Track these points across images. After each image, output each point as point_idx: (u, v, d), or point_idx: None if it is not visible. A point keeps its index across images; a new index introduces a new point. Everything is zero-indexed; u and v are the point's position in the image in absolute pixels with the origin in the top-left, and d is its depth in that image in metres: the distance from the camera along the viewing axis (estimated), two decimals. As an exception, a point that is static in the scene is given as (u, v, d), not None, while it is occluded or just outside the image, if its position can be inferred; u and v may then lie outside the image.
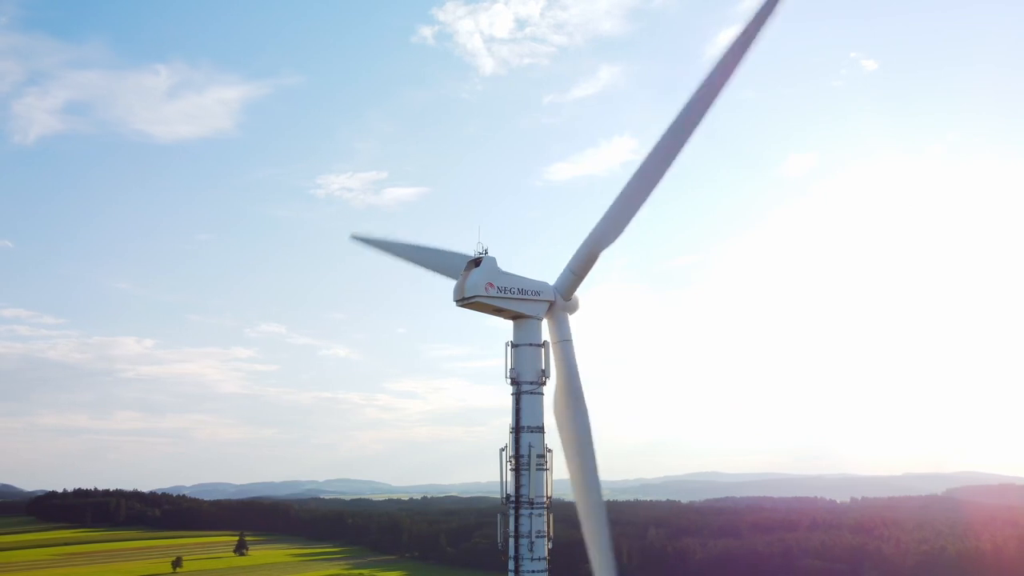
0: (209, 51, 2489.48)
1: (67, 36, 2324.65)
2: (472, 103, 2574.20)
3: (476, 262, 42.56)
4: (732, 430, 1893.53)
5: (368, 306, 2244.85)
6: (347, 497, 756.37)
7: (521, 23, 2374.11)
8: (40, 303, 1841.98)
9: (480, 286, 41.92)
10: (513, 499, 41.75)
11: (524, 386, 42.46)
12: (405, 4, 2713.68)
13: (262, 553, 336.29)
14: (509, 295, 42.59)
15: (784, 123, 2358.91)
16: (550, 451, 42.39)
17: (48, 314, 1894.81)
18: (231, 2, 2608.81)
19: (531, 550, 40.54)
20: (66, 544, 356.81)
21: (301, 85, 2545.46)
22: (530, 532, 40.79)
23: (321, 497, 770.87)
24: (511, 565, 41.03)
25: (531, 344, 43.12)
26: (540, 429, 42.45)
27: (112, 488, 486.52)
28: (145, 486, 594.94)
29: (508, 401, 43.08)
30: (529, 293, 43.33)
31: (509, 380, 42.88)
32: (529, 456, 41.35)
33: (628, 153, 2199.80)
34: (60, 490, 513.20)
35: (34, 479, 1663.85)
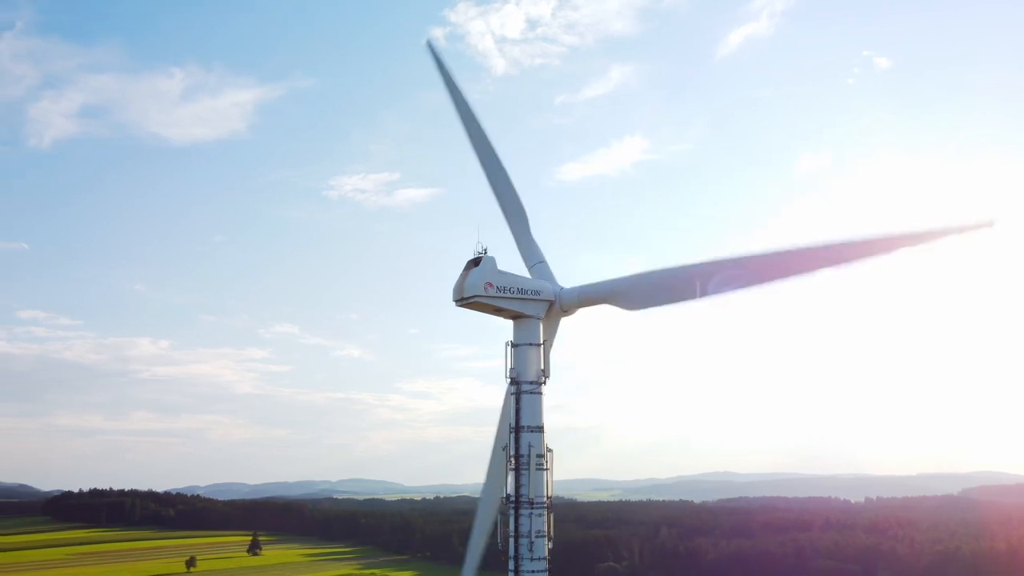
0: (223, 54, 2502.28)
1: (82, 40, 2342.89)
2: (484, 104, 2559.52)
3: (475, 262, 42.57)
4: (745, 430, 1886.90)
5: (381, 307, 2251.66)
6: (360, 497, 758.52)
7: (532, 23, 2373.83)
8: (56, 305, 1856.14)
9: (479, 286, 41.91)
10: (513, 499, 41.62)
11: (524, 386, 42.45)
12: (416, 6, 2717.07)
13: (275, 553, 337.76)
14: (508, 295, 42.60)
15: (797, 121, 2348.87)
16: (550, 451, 42.30)
17: (64, 315, 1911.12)
18: (244, 5, 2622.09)
19: (531, 550, 40.46)
20: (81, 544, 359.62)
21: (314, 87, 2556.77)
22: (530, 532, 40.71)
23: (334, 497, 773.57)
24: (511, 565, 40.98)
25: (531, 344, 43.12)
26: (540, 429, 42.39)
27: (127, 488, 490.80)
28: (160, 486, 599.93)
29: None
30: (529, 293, 43.31)
31: (509, 380, 42.88)
32: (529, 456, 41.31)
33: (639, 153, 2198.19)
34: (76, 490, 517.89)
35: (50, 479, 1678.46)
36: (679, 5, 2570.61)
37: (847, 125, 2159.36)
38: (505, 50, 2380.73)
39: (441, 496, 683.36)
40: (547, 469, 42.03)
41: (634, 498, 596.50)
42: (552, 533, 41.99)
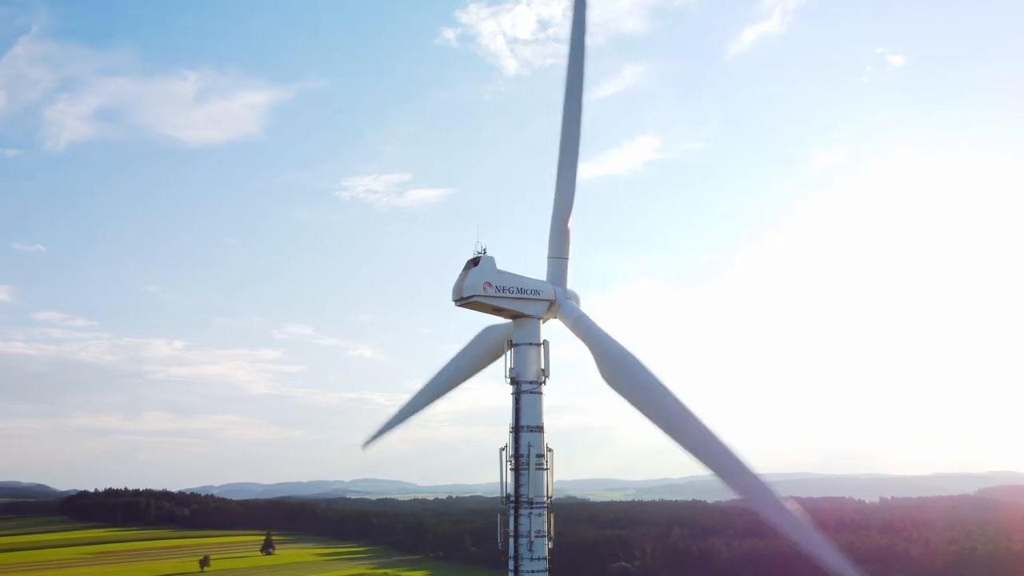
0: (236, 57, 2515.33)
1: (97, 43, 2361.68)
2: (495, 104, 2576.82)
3: (474, 262, 42.57)
4: (759, 429, 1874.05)
5: (393, 307, 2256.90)
6: (373, 497, 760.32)
7: (543, 24, 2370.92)
8: (72, 306, 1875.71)
9: (478, 286, 41.90)
10: (513, 499, 41.55)
11: (524, 385, 42.41)
12: (428, 7, 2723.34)
13: (288, 552, 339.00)
14: (508, 294, 42.55)
15: (810, 119, 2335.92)
16: (550, 451, 42.21)
17: (80, 317, 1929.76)
18: (256, 8, 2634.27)
19: (531, 550, 40.40)
20: (97, 543, 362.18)
21: (326, 89, 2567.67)
22: (529, 532, 40.64)
23: (347, 497, 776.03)
24: (511, 565, 40.94)
25: (531, 344, 43.05)
26: (540, 429, 42.33)
27: (142, 488, 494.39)
28: (175, 486, 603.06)
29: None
30: (528, 292, 43.27)
31: (509, 380, 42.84)
32: (528, 456, 41.24)
33: (652, 152, 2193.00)
34: (92, 490, 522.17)
35: (66, 479, 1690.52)
36: (691, 3, 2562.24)
37: (861, 123, 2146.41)
38: (516, 50, 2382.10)
39: (454, 496, 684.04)
40: (547, 469, 41.95)
41: (647, 498, 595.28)
42: (552, 533, 41.89)
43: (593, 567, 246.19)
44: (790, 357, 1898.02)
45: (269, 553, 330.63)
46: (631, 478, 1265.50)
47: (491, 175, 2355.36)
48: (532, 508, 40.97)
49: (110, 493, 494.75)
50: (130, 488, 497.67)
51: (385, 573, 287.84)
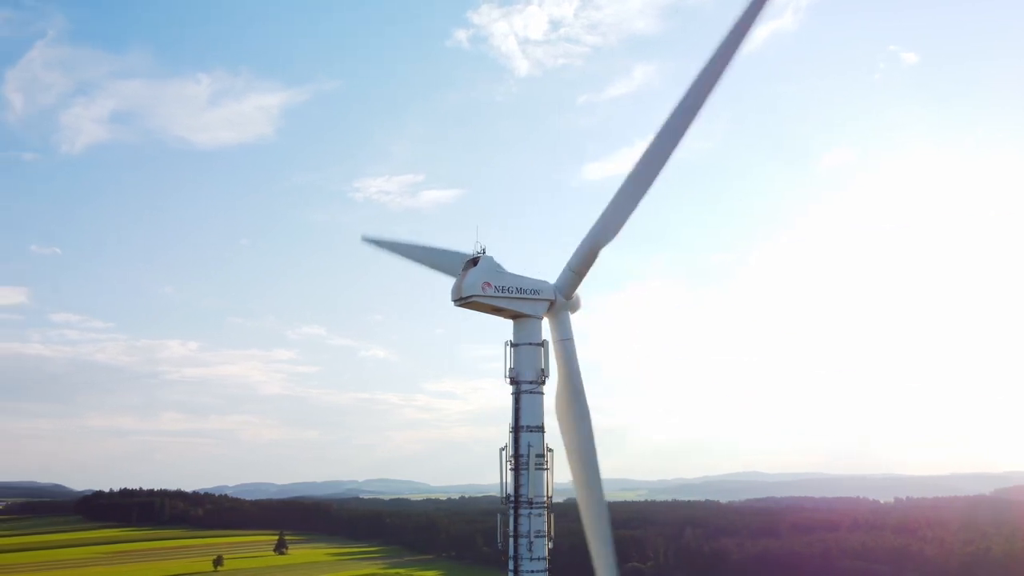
0: (248, 59, 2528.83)
1: (112, 47, 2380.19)
2: (507, 105, 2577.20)
3: (474, 261, 42.49)
4: (774, 430, 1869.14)
5: (406, 307, 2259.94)
6: (386, 497, 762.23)
7: (555, 24, 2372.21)
8: (88, 308, 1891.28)
9: (477, 286, 41.83)
10: (512, 499, 41.47)
11: (523, 385, 42.30)
12: (440, 8, 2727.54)
13: (301, 552, 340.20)
14: (507, 294, 42.43)
15: (822, 118, 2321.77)
16: (550, 451, 42.08)
17: (96, 318, 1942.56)
18: (269, 11, 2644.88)
19: (530, 550, 40.29)
20: (112, 543, 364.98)
21: (338, 90, 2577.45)
22: (529, 532, 40.53)
23: (361, 497, 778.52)
24: (511, 565, 40.87)
25: (530, 343, 42.92)
26: (540, 429, 42.21)
27: (157, 488, 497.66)
28: (189, 486, 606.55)
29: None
30: (528, 292, 43.13)
31: (508, 380, 42.74)
32: (528, 456, 41.14)
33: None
34: (107, 490, 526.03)
35: (83, 479, 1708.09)
36: (702, 2, 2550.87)
37: (873, 121, 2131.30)
38: (528, 51, 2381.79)
39: (466, 496, 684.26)
40: (547, 469, 41.83)
41: (660, 498, 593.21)
42: (553, 533, 41.77)
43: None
44: (803, 356, 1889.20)
45: (282, 553, 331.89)
46: (644, 478, 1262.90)
47: (503, 175, 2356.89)
48: (532, 508, 40.87)
49: (125, 493, 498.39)
50: (145, 488, 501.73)
51: (397, 573, 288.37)
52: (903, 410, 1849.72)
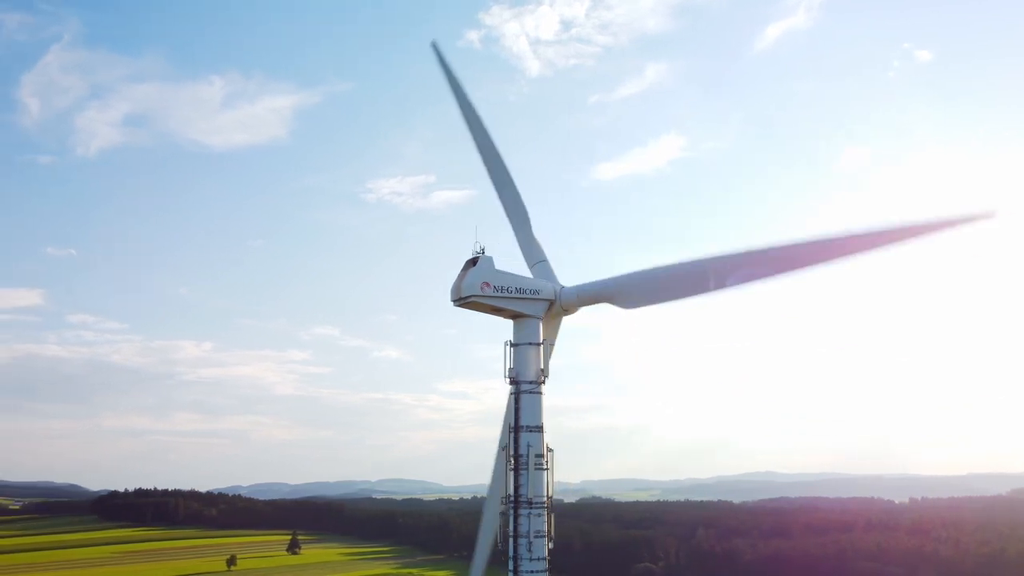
0: (261, 61, 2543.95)
1: (126, 51, 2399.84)
2: (519, 105, 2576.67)
3: (473, 262, 42.48)
4: (788, 429, 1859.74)
5: (418, 308, 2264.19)
6: (399, 497, 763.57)
7: (566, 24, 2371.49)
8: (104, 309, 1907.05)
9: (476, 286, 41.80)
10: (512, 499, 41.39)
11: (523, 385, 42.23)
12: (451, 9, 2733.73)
13: (314, 552, 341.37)
14: (506, 294, 42.40)
15: (836, 116, 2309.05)
16: (550, 451, 41.98)
17: (111, 319, 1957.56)
18: (281, 14, 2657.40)
19: (530, 550, 40.20)
20: (126, 542, 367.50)
21: (350, 92, 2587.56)
22: (528, 532, 40.44)
23: (373, 497, 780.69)
24: (510, 565, 40.78)
25: (530, 343, 42.86)
26: (539, 429, 42.11)
27: (172, 488, 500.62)
28: (204, 486, 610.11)
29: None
30: (528, 292, 43.06)
31: (508, 380, 42.68)
32: (528, 456, 41.07)
33: (676, 151, 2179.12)
34: (122, 490, 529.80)
35: (98, 479, 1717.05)
36: (713, 1, 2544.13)
37: (888, 119, 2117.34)
38: (539, 51, 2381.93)
39: (479, 496, 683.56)
40: (547, 469, 41.73)
41: (673, 498, 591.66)
42: (553, 533, 41.65)
43: (618, 567, 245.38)
44: (819, 356, 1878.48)
45: (295, 553, 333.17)
46: (658, 478, 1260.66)
47: (515, 175, 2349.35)
48: (532, 508, 40.78)
49: (140, 493, 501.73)
50: (159, 488, 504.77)
51: (410, 573, 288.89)
52: (919, 410, 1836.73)
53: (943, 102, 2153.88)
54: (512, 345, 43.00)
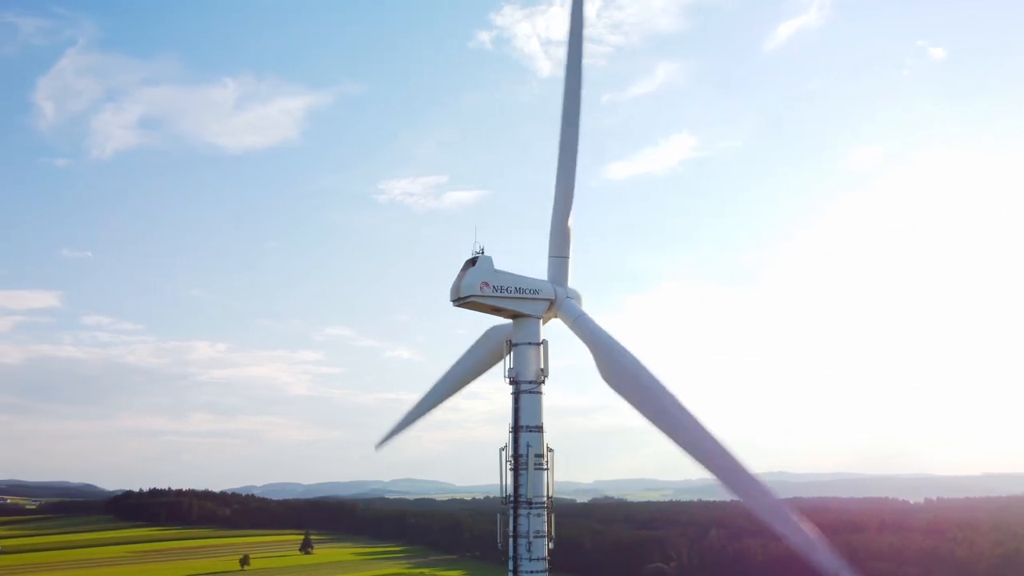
0: (274, 63, 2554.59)
1: (140, 54, 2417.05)
2: (531, 105, 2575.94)
3: (472, 262, 42.52)
4: (801, 429, 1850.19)
5: (430, 308, 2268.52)
6: (411, 497, 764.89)
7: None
8: (119, 310, 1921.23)
9: (475, 286, 41.86)
10: (512, 499, 41.37)
11: (523, 385, 42.22)
12: (463, 10, 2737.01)
13: (326, 552, 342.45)
14: (506, 294, 42.40)
15: (849, 115, 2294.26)
16: (550, 451, 41.95)
17: (127, 320, 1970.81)
18: (293, 15, 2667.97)
19: (529, 550, 40.19)
20: (141, 542, 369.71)
21: (362, 93, 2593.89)
22: (528, 532, 40.43)
23: (386, 497, 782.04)
24: (510, 565, 40.78)
25: (530, 343, 42.84)
26: (539, 429, 42.12)
27: (186, 488, 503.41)
28: (218, 486, 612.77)
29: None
30: (527, 292, 43.10)
31: (508, 380, 42.69)
32: (528, 456, 41.03)
33: (688, 151, 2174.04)
34: (137, 490, 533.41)
35: (113, 479, 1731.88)
36: (725, 0, 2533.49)
37: (901, 118, 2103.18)
38: (551, 52, 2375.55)
39: (491, 496, 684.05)
40: (547, 469, 41.70)
41: (685, 498, 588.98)
42: (553, 533, 41.63)
43: (629, 567, 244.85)
44: (832, 355, 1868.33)
45: (307, 552, 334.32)
46: (670, 478, 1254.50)
47: (526, 176, 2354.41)
48: (531, 508, 40.76)
49: (154, 493, 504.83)
50: (174, 488, 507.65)
51: (422, 572, 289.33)
52: (934, 409, 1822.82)
53: (956, 100, 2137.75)
54: (512, 345, 43.04)
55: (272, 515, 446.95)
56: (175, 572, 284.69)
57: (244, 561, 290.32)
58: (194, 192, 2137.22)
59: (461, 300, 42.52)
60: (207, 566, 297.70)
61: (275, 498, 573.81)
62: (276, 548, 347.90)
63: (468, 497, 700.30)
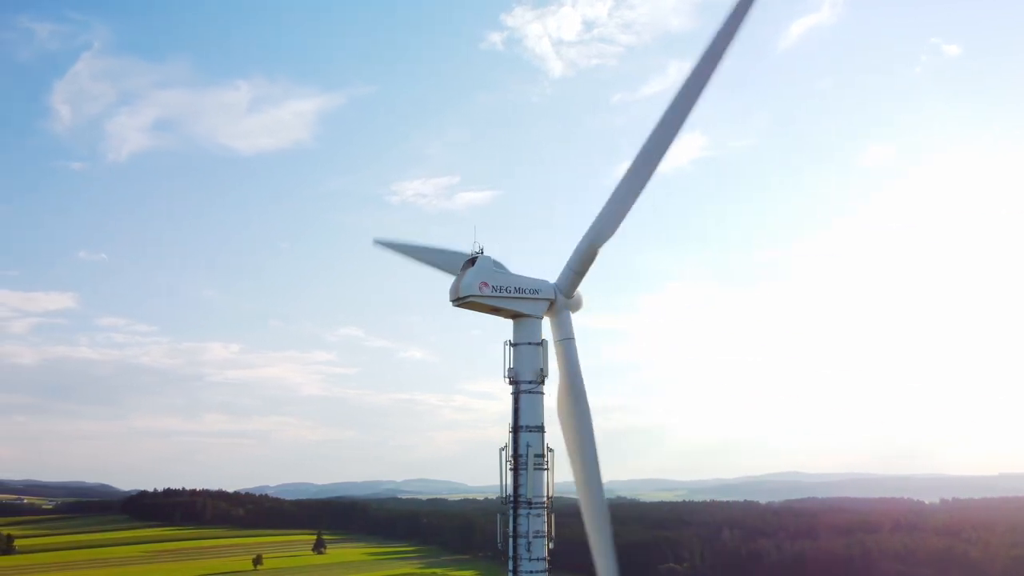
0: (286, 65, 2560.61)
1: (154, 57, 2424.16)
2: (542, 106, 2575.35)
3: (472, 261, 42.55)
4: (815, 428, 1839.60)
5: (442, 309, 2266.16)
6: (424, 497, 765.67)
7: (589, 24, 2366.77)
8: (134, 312, 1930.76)
9: (474, 286, 41.90)
10: (512, 499, 41.42)
11: (523, 385, 42.25)
12: (474, 11, 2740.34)
13: (339, 551, 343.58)
14: (505, 294, 42.39)
15: (862, 113, 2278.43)
16: (550, 451, 41.95)
17: (141, 322, 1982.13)
18: (305, 17, 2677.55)
19: (529, 550, 40.23)
20: (155, 542, 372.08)
21: (374, 94, 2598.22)
22: (528, 532, 40.46)
23: (399, 497, 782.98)
24: (510, 565, 40.83)
25: (530, 343, 42.83)
26: (539, 429, 42.12)
27: (200, 488, 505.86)
28: (232, 486, 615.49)
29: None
30: (527, 292, 43.06)
31: (508, 379, 42.71)
32: (528, 456, 41.07)
33: (698, 150, 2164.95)
34: (152, 490, 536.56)
35: (128, 479, 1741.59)
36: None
37: (915, 116, 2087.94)
38: (562, 52, 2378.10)
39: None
40: (547, 469, 41.70)
41: (699, 498, 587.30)
42: (553, 533, 41.63)
43: (643, 567, 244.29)
44: (848, 354, 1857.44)
45: (320, 552, 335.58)
46: (683, 478, 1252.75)
47: (538, 176, 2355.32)
48: (531, 508, 40.78)
49: (169, 493, 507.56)
50: (188, 488, 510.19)
51: (434, 572, 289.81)
52: (951, 409, 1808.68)
53: (971, 98, 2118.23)
54: (511, 345, 43.05)
55: (285, 515, 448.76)
56: (189, 571, 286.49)
57: (257, 561, 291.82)
58: (207, 194, 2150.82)
59: (460, 300, 42.59)
60: (221, 566, 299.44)
61: (288, 498, 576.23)
62: (289, 548, 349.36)
63: (480, 497, 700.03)
